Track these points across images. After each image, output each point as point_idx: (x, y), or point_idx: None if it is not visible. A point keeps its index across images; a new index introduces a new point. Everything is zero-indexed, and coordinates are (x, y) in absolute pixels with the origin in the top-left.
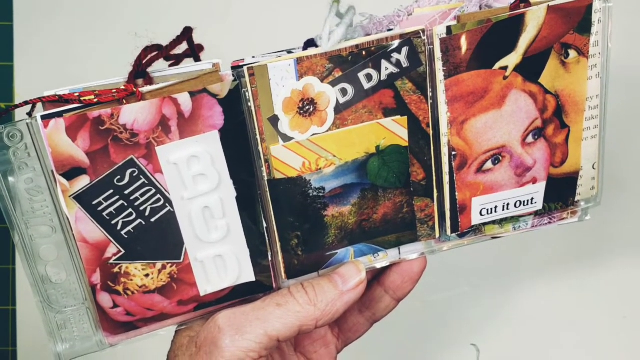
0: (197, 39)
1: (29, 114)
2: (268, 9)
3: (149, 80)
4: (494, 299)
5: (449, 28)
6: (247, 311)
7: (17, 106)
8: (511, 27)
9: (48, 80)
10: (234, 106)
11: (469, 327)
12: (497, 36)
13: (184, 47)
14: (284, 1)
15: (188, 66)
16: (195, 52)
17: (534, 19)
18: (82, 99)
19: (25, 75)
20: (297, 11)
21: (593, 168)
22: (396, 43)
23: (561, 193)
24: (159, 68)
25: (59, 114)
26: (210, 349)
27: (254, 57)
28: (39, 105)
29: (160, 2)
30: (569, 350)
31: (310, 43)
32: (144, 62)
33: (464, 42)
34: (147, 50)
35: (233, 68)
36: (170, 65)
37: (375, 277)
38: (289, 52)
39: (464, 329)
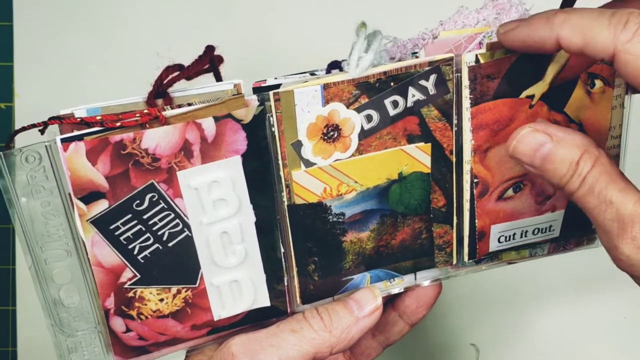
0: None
1: (41, 132)
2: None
3: (169, 100)
4: (494, 299)
5: (477, 56)
6: (261, 337)
7: (33, 126)
8: (540, 56)
9: (48, 80)
10: (258, 131)
11: (469, 327)
12: (525, 65)
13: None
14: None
15: (208, 86)
16: (217, 70)
17: None
18: (104, 122)
19: (25, 75)
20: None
21: None
22: (424, 70)
23: (579, 221)
24: (178, 88)
25: (79, 137)
26: None
27: (276, 78)
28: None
29: (160, 2)
30: (569, 350)
31: (333, 65)
32: (165, 82)
33: (492, 71)
34: (169, 69)
35: (255, 89)
36: (186, 79)
37: (390, 301)
38: (312, 73)
39: (464, 329)
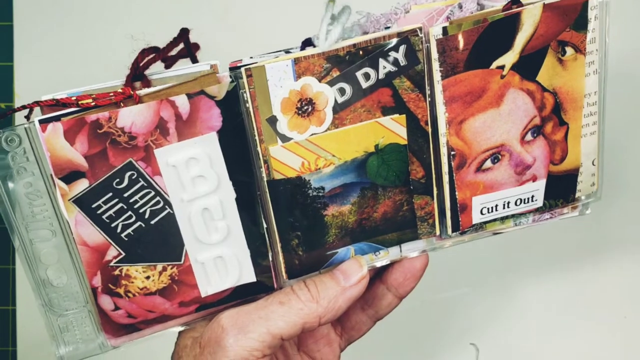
0: (193, 39)
1: (27, 117)
2: (265, 8)
3: (147, 83)
4: (494, 299)
5: (444, 29)
6: (250, 310)
7: (14, 110)
8: (507, 26)
9: (48, 80)
10: (232, 107)
11: (469, 327)
12: (494, 35)
13: (180, 47)
14: (281, 0)
15: (186, 67)
16: (192, 53)
17: (530, 17)
18: (79, 102)
19: (25, 75)
20: (295, 10)
21: (593, 164)
22: (394, 41)
23: (562, 190)
24: (157, 70)
25: (56, 118)
26: (214, 349)
27: (251, 57)
28: (37, 108)
29: (159, 3)
30: (569, 350)
31: (307, 42)
32: (142, 64)
33: (460, 43)
34: (145, 52)
35: (231, 69)
36: (165, 67)
37: (378, 274)
38: (287, 52)
39: (464, 329)
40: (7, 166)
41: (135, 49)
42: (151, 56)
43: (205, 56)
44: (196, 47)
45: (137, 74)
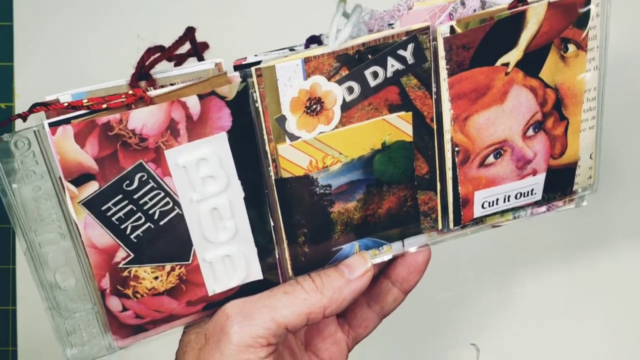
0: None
1: (23, 120)
2: (266, 4)
3: (152, 82)
4: (495, 299)
5: (452, 27)
6: (255, 300)
7: (19, 115)
8: (513, 24)
9: (48, 80)
10: (242, 107)
11: (469, 327)
12: (499, 34)
13: (186, 46)
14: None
15: (190, 66)
16: (198, 51)
17: (535, 15)
18: (89, 105)
19: (25, 75)
20: (295, 6)
21: (590, 158)
22: (402, 40)
23: (560, 183)
24: (161, 69)
25: (66, 121)
26: (219, 337)
27: (256, 55)
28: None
29: (160, 2)
30: (570, 350)
31: (312, 40)
32: (147, 64)
33: (467, 41)
34: (150, 51)
35: (236, 67)
36: (174, 66)
37: (382, 270)
38: (292, 49)
39: (464, 329)
40: (16, 170)
41: (141, 47)
42: (157, 55)
43: (208, 54)
44: (205, 46)
45: (143, 73)
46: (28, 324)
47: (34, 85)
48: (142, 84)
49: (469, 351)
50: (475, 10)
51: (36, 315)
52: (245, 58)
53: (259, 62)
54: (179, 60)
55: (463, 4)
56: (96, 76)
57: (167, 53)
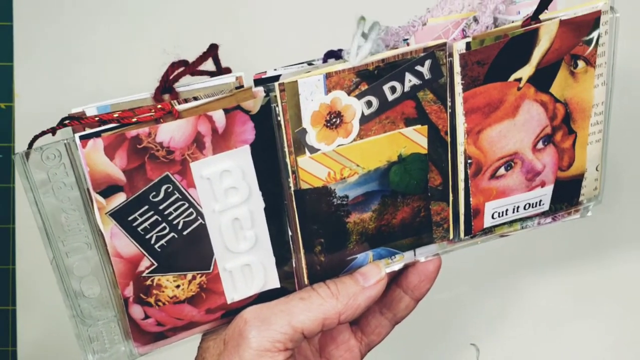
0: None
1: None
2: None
3: (175, 95)
4: (495, 299)
5: (468, 44)
6: (272, 305)
7: (53, 129)
8: (526, 41)
9: (48, 80)
10: (265, 121)
11: (469, 327)
12: (513, 50)
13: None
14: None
15: (211, 80)
16: (220, 67)
17: (547, 33)
18: (119, 118)
19: (25, 75)
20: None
21: (596, 170)
22: (420, 56)
23: (567, 194)
24: (183, 82)
25: (97, 134)
26: (238, 342)
27: (275, 69)
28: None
29: (160, 2)
30: (570, 350)
31: (330, 54)
32: (171, 77)
33: (481, 57)
34: (174, 65)
35: (256, 81)
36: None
37: (394, 279)
38: (310, 63)
39: (464, 329)
40: (45, 181)
41: (166, 62)
42: (180, 70)
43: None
44: (227, 71)
45: (167, 86)
46: (28, 324)
47: (34, 85)
48: (166, 97)
49: (469, 351)
50: (488, 27)
51: (36, 316)
52: (265, 72)
53: (278, 77)
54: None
55: (476, 20)
56: (96, 76)
57: (190, 67)
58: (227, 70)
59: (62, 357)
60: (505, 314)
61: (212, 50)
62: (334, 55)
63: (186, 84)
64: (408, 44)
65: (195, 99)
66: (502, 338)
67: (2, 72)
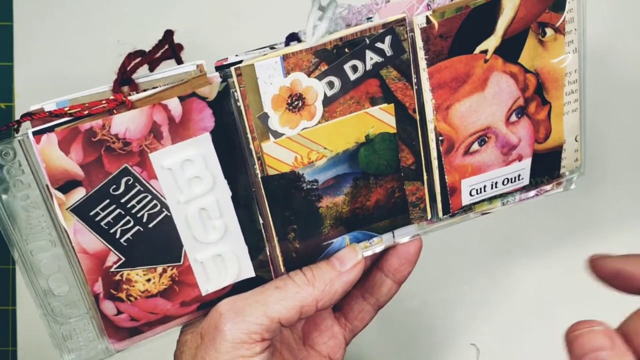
0: (180, 39)
1: (16, 130)
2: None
3: (135, 87)
4: (495, 299)
5: (427, 18)
6: (247, 296)
7: (8, 126)
8: (489, 11)
9: (48, 80)
10: (224, 107)
11: (469, 327)
12: (476, 21)
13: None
14: None
15: (171, 69)
16: (177, 54)
17: (511, 1)
18: (71, 112)
19: (25, 75)
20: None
21: (576, 140)
22: (379, 32)
23: (547, 167)
24: (143, 73)
25: (50, 129)
26: (213, 335)
27: (237, 55)
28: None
29: (161, 3)
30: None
31: (292, 37)
32: (129, 68)
33: (443, 30)
34: (131, 56)
35: (218, 68)
36: (150, 69)
37: (375, 262)
38: (272, 47)
39: (464, 329)
40: (3, 180)
41: (122, 53)
42: (138, 60)
43: (190, 56)
44: (180, 47)
45: (125, 78)
46: (28, 324)
47: (34, 85)
48: (125, 89)
49: (469, 351)
50: (451, 0)
51: (36, 316)
52: (227, 59)
53: (240, 62)
54: (155, 65)
55: None
56: (96, 76)
57: (147, 57)
58: (179, 47)
59: None
60: (506, 314)
61: (168, 38)
62: (296, 37)
63: (146, 75)
64: (372, 22)
65: (154, 89)
66: (502, 338)
67: (2, 72)
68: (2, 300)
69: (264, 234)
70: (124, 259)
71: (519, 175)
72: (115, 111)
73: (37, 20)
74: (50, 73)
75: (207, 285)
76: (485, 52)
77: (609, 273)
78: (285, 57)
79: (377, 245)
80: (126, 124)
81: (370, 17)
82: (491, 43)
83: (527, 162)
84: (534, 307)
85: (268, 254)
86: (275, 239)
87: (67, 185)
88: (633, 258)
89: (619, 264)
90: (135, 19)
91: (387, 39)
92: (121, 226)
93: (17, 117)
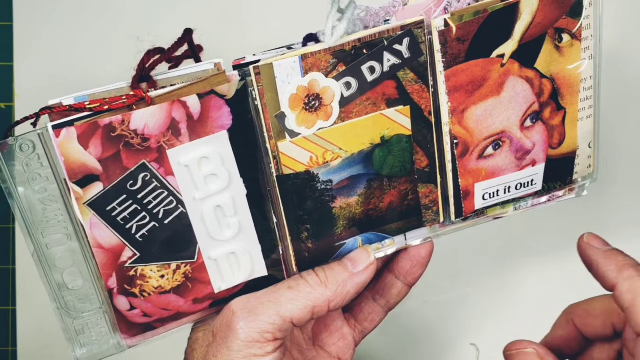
0: (196, 38)
1: (34, 125)
2: (263, 4)
3: (153, 84)
4: (495, 299)
5: (446, 21)
6: (260, 295)
7: (27, 118)
8: (506, 15)
9: (48, 80)
10: (241, 105)
11: (469, 327)
12: (493, 25)
13: (184, 48)
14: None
15: (190, 67)
16: (196, 53)
17: (528, 6)
18: (91, 107)
19: (25, 75)
20: (293, 5)
21: (589, 147)
22: (397, 35)
23: (560, 173)
24: (161, 71)
25: (69, 123)
26: (226, 334)
27: (254, 54)
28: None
29: (159, 3)
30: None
31: (309, 38)
32: (147, 65)
33: (461, 34)
34: (150, 54)
35: (235, 67)
36: (170, 68)
37: (386, 264)
38: (289, 47)
39: (464, 329)
40: (21, 173)
41: (141, 50)
42: (157, 57)
43: (207, 55)
44: (200, 48)
45: (144, 75)
46: (28, 324)
47: (34, 85)
48: (144, 85)
49: (469, 351)
50: (469, 4)
51: (36, 315)
52: (244, 58)
53: (257, 61)
54: (176, 63)
55: None
56: (96, 76)
57: (166, 55)
58: (199, 48)
59: (62, 357)
60: (506, 314)
61: (187, 36)
62: (314, 38)
63: (164, 72)
64: (389, 24)
65: (173, 86)
66: (502, 338)
67: (2, 72)
68: (2, 300)
69: (277, 233)
70: (138, 254)
71: (532, 181)
72: (135, 107)
73: (37, 20)
74: (50, 73)
75: (220, 282)
76: (502, 56)
77: (585, 258)
78: (303, 57)
79: (389, 247)
80: (145, 120)
81: (388, 20)
82: (508, 47)
83: (540, 168)
84: (538, 311)
85: (281, 253)
86: (289, 238)
87: (85, 180)
88: (605, 254)
89: (593, 255)
90: (135, 19)
91: (405, 41)
92: (137, 222)
93: (16, 116)
